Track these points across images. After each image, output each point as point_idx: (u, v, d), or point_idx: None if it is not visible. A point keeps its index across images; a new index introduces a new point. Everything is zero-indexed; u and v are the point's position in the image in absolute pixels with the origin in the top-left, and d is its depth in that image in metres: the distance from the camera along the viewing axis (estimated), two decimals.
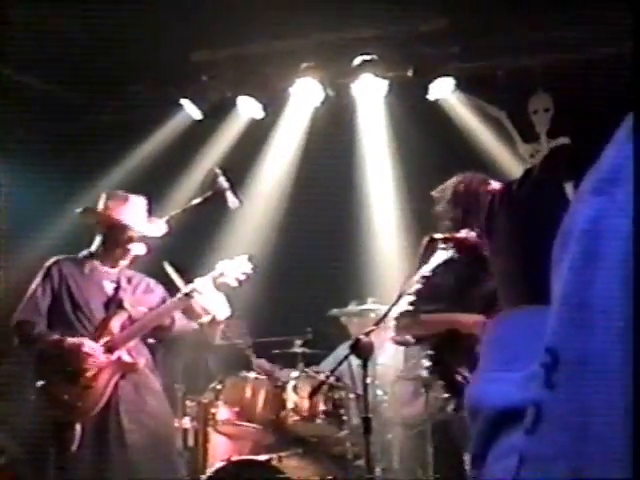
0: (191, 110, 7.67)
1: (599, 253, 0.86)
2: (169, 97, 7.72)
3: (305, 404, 5.68)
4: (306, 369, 6.00)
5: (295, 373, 5.90)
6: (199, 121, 7.71)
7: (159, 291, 5.15)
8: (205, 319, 4.99)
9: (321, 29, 7.02)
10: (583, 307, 0.87)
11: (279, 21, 6.70)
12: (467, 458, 4.53)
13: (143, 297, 5.08)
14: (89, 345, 4.74)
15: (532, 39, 7.07)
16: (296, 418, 5.69)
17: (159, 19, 6.69)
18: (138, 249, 5.01)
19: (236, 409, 5.75)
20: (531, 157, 7.62)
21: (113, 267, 5.06)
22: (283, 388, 5.77)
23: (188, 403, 5.95)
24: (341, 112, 7.59)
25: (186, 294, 4.87)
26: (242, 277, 5.04)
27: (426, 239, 4.35)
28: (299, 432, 5.81)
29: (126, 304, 4.95)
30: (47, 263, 5.02)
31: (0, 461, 6.74)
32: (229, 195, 5.33)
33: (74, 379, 4.68)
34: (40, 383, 4.75)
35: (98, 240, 5.09)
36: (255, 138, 7.72)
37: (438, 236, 4.39)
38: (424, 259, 4.32)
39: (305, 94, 7.42)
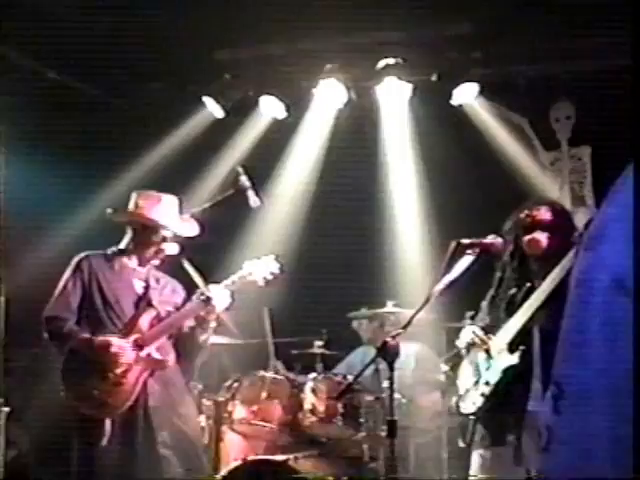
0: (213, 108, 7.66)
1: (588, 300, 1.00)
2: (191, 94, 7.73)
3: (322, 406, 5.69)
4: (325, 370, 6.02)
5: (313, 374, 5.90)
6: (221, 119, 7.70)
7: (182, 294, 5.14)
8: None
9: (346, 31, 7.02)
10: (579, 346, 1.01)
11: (304, 21, 6.69)
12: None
13: (170, 298, 5.08)
14: (117, 344, 4.73)
15: (555, 47, 7.06)
16: (313, 419, 5.69)
17: (184, 16, 6.70)
18: (171, 249, 4.99)
19: (253, 408, 5.75)
20: (551, 165, 7.63)
21: (142, 266, 5.05)
22: (301, 389, 5.78)
23: (204, 401, 5.93)
24: (364, 114, 7.60)
25: (207, 298, 4.84)
26: (270, 277, 5.02)
27: (453, 244, 4.34)
28: (315, 433, 5.81)
29: (155, 302, 4.95)
30: (76, 258, 4.99)
31: (11, 454, 6.74)
32: (250, 194, 5.32)
33: (104, 375, 4.68)
34: (70, 378, 4.74)
35: (128, 238, 5.06)
36: (277, 138, 7.72)
37: (465, 241, 4.38)
38: (450, 264, 4.31)
39: (328, 95, 7.42)
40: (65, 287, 4.89)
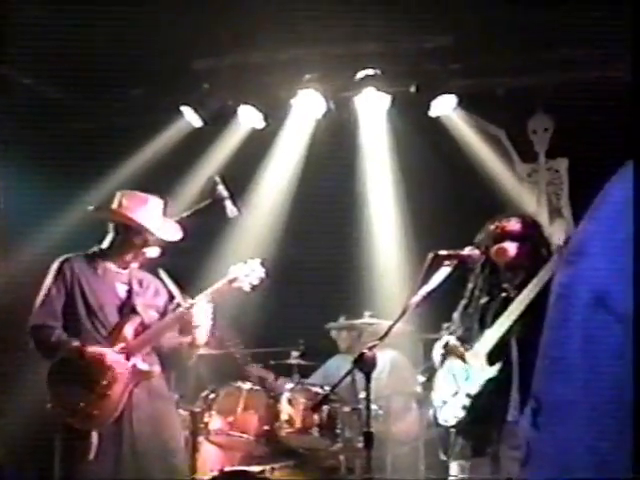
0: (191, 117, 7.64)
1: (568, 316, 0.99)
2: (169, 103, 7.69)
3: (299, 416, 5.68)
4: (301, 381, 6.00)
5: (290, 385, 5.89)
6: (199, 129, 7.68)
7: (164, 295, 5.04)
8: (185, 339, 4.89)
9: (325, 41, 7.03)
10: (559, 360, 1.01)
11: (283, 31, 6.70)
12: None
13: (153, 300, 4.98)
14: (111, 357, 4.65)
15: (534, 59, 7.10)
16: (290, 430, 5.68)
17: (162, 25, 6.68)
18: (153, 252, 4.91)
19: (229, 419, 5.74)
20: (529, 176, 7.67)
21: (124, 268, 4.95)
22: (277, 400, 5.76)
23: (180, 412, 5.89)
24: (343, 125, 7.60)
25: (187, 308, 4.78)
26: (256, 282, 4.96)
27: (430, 255, 4.35)
28: (292, 444, 5.79)
29: (139, 308, 4.85)
30: (58, 261, 4.87)
31: None
32: (228, 204, 5.27)
33: (91, 387, 4.59)
34: (55, 388, 4.66)
35: (110, 239, 4.95)
36: (255, 148, 7.70)
37: (442, 253, 4.39)
38: (427, 275, 4.32)
39: (307, 106, 7.41)
40: (49, 292, 4.77)
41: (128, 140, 7.58)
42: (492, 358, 4.32)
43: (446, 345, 4.61)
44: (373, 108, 7.37)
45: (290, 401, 5.73)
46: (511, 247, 4.48)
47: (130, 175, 7.31)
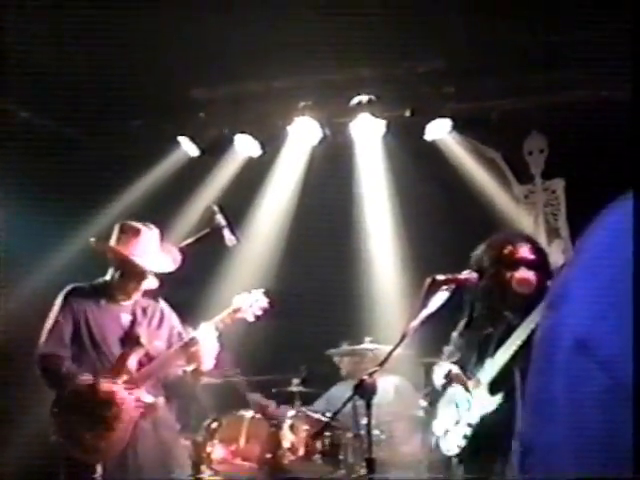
0: (188, 147, 7.68)
1: (552, 359, 0.99)
2: (166, 133, 7.74)
3: (301, 444, 5.67)
4: (303, 408, 5.99)
5: (292, 412, 5.88)
6: (196, 158, 7.72)
7: (169, 324, 5.05)
8: (189, 368, 4.90)
9: (320, 69, 7.06)
10: (544, 404, 1.01)
11: (278, 60, 6.74)
12: None
13: (158, 330, 4.98)
14: (122, 394, 4.66)
15: (528, 81, 7.14)
16: (292, 457, 5.67)
17: (159, 55, 6.72)
18: (149, 283, 4.93)
19: (232, 448, 5.73)
20: (526, 198, 7.68)
21: (128, 298, 4.97)
22: (279, 427, 5.75)
23: (182, 441, 5.88)
24: (339, 151, 7.63)
25: (192, 338, 4.80)
26: (259, 312, 4.98)
27: (428, 280, 4.33)
28: (295, 472, 5.78)
29: (143, 340, 4.86)
30: (65, 290, 4.91)
31: None
32: (226, 233, 5.29)
33: (97, 419, 4.59)
34: (61, 421, 4.67)
35: (111, 271, 4.99)
36: (253, 176, 7.74)
37: (440, 277, 4.38)
38: (426, 300, 4.31)
39: (303, 133, 7.46)
40: (57, 321, 4.79)
41: (127, 170, 7.61)
42: (494, 387, 4.28)
43: (449, 373, 4.58)
44: (369, 133, 7.41)
45: (292, 428, 5.73)
46: (530, 276, 4.38)
47: (129, 205, 7.34)
